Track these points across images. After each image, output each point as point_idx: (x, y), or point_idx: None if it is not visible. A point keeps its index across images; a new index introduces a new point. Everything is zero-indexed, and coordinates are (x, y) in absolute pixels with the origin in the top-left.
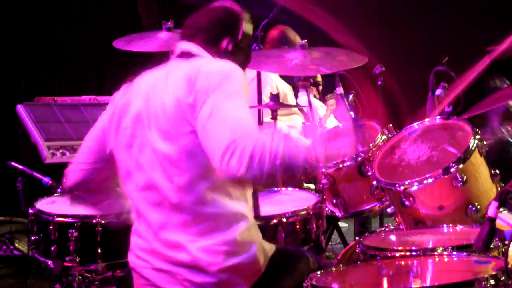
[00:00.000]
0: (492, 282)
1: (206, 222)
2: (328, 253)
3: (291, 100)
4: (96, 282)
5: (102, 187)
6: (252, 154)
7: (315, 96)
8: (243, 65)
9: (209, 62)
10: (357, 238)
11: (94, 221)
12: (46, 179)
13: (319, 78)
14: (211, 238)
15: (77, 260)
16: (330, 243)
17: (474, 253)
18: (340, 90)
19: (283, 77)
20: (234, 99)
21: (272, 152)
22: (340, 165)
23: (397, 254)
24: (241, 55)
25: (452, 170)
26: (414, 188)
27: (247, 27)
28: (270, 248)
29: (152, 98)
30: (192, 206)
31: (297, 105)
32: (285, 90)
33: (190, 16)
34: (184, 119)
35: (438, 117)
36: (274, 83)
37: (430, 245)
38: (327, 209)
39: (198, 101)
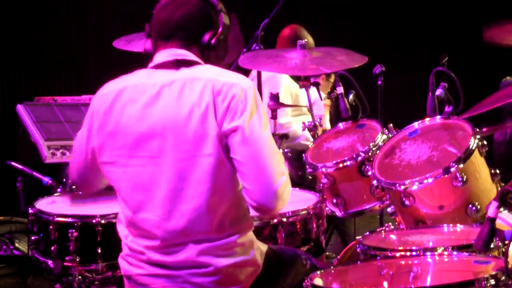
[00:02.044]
0: (492, 282)
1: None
2: (328, 253)
3: (303, 100)
4: (96, 282)
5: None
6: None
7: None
8: (223, 58)
9: (225, 74)
10: (357, 238)
11: (94, 221)
12: (46, 179)
13: (332, 78)
14: (214, 242)
15: (77, 260)
16: (330, 243)
17: (474, 253)
18: (340, 90)
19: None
20: (265, 123)
21: None
22: (340, 165)
23: (397, 254)
24: (222, 48)
25: (452, 169)
26: (414, 187)
27: (225, 17)
28: (264, 247)
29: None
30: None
31: (297, 105)
32: (297, 90)
33: (158, 11)
34: (206, 138)
35: (438, 116)
36: (286, 83)
37: (430, 245)
38: (327, 209)
39: (230, 121)
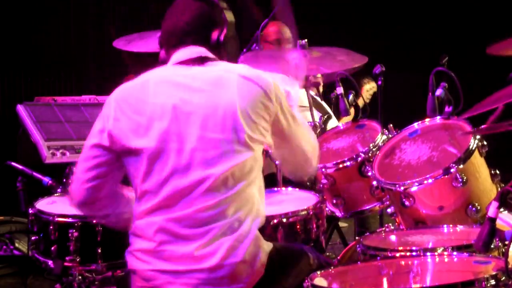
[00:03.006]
0: (492, 282)
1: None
2: (328, 253)
3: (303, 100)
4: (96, 282)
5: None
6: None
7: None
8: (235, 54)
9: (252, 70)
10: (357, 238)
11: (94, 221)
12: (46, 179)
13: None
14: (224, 237)
15: (77, 260)
16: (330, 243)
17: (474, 253)
18: (340, 90)
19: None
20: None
21: None
22: (340, 165)
23: (397, 254)
24: (232, 45)
25: (452, 170)
26: (414, 188)
27: (228, 14)
28: (268, 245)
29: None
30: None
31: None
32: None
33: (164, 22)
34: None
35: (438, 117)
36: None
37: (430, 245)
38: (327, 209)
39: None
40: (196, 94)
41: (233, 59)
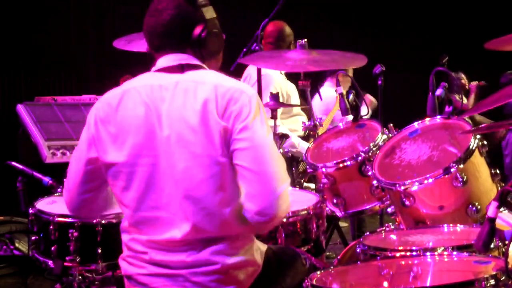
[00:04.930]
0: (492, 282)
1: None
2: (328, 253)
3: (294, 101)
4: (96, 282)
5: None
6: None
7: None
8: (218, 52)
9: (229, 80)
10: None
11: (94, 221)
12: (46, 179)
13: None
14: (217, 242)
15: (77, 260)
16: (330, 243)
17: (474, 253)
18: (340, 90)
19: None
20: (268, 129)
21: None
22: (341, 165)
23: (397, 254)
24: (215, 42)
25: (452, 170)
26: (415, 188)
27: (208, 10)
28: (263, 247)
29: (172, 117)
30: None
31: (296, 105)
32: (289, 91)
33: (144, 24)
34: (211, 140)
35: (438, 116)
36: (278, 84)
37: (430, 245)
38: (327, 209)
39: (235, 125)
40: (166, 104)
41: (217, 55)
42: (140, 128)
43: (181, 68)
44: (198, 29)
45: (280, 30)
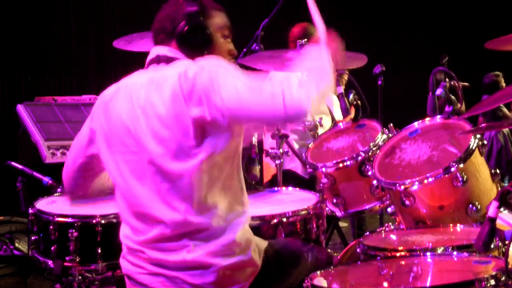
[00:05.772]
0: (492, 282)
1: (206, 228)
2: (328, 251)
3: None
4: (96, 282)
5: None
6: (300, 82)
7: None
8: (204, 46)
9: (191, 64)
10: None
11: (94, 221)
12: (46, 179)
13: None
14: (210, 241)
15: (77, 260)
16: (330, 243)
17: (474, 253)
18: (340, 89)
19: None
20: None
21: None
22: (341, 165)
23: (397, 254)
24: (198, 37)
25: (452, 169)
26: (415, 187)
27: (190, 7)
28: (262, 244)
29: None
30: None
31: None
32: None
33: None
34: (183, 131)
35: (438, 116)
36: None
37: (430, 245)
38: (327, 208)
39: (199, 105)
40: (141, 102)
41: (202, 52)
42: (120, 127)
43: (157, 60)
44: (182, 24)
45: (306, 30)
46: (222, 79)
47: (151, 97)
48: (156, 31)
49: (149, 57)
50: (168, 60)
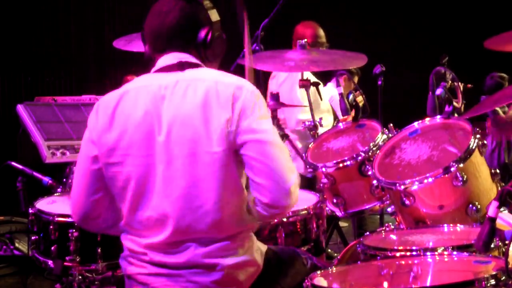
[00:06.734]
0: (493, 282)
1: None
2: (329, 250)
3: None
4: (96, 282)
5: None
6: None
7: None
8: (221, 54)
9: (229, 76)
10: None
11: None
12: (46, 179)
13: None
14: (215, 242)
15: (77, 260)
16: (330, 242)
17: (474, 253)
18: (340, 90)
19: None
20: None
21: None
22: (341, 165)
23: (398, 254)
24: (219, 45)
25: (452, 169)
26: (415, 187)
27: (213, 13)
28: (264, 247)
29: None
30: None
31: (297, 105)
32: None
33: (147, 23)
34: (212, 137)
35: (438, 116)
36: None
37: (430, 245)
38: (327, 208)
39: (241, 120)
40: (166, 102)
41: (220, 57)
42: (138, 129)
43: (181, 66)
44: (204, 32)
45: (315, 32)
46: (265, 111)
47: (181, 100)
48: (169, 38)
49: (167, 63)
50: (192, 66)
